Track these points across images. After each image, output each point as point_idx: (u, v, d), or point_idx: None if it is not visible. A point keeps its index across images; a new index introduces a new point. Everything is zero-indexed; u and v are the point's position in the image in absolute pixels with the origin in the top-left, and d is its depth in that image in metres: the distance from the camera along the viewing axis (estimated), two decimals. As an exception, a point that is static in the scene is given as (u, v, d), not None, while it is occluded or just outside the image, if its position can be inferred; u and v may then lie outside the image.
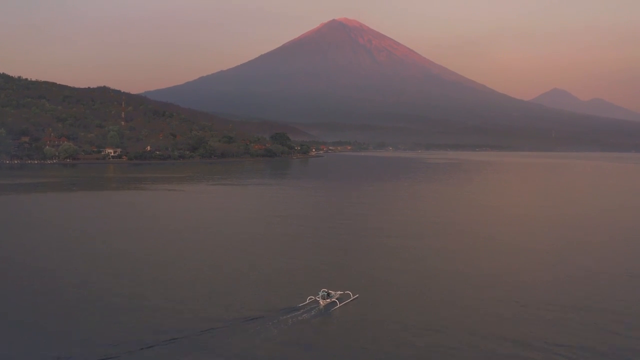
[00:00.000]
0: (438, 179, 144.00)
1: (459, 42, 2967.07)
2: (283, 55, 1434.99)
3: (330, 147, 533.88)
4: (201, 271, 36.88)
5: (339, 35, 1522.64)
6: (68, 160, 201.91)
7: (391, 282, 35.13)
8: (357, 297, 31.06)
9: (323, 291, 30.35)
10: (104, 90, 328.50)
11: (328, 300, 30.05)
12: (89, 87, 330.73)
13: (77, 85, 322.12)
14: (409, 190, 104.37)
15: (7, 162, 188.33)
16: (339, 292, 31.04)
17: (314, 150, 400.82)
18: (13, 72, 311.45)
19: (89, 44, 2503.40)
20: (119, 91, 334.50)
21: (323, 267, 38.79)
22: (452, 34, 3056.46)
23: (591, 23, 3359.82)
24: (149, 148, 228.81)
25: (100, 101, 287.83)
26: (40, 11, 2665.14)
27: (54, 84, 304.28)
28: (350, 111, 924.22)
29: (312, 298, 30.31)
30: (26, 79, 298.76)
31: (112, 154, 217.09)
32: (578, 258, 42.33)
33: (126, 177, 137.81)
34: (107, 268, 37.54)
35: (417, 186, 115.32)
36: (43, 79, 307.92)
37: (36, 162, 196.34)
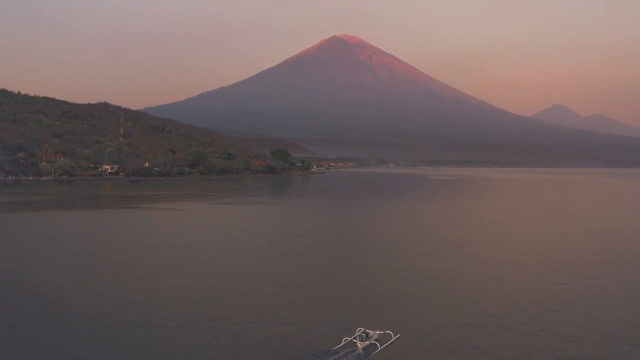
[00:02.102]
0: (446, 196, 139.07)
1: (459, 59, 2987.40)
2: (283, 72, 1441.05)
3: (331, 164, 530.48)
4: (207, 308, 31.91)
5: (340, 52, 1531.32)
6: (64, 176, 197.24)
7: (429, 316, 31.04)
8: (398, 338, 26.74)
9: (360, 331, 26.22)
10: (103, 106, 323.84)
11: (367, 342, 25.97)
12: (89, 103, 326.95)
13: (78, 102, 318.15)
14: (419, 210, 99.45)
15: (2, 178, 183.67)
16: (378, 332, 26.74)
17: (314, 166, 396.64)
18: (13, 88, 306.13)
19: (90, 60, 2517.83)
20: (119, 107, 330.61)
21: (348, 300, 34.13)
22: (452, 50, 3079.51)
23: (590, 40, 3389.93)
24: (147, 164, 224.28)
25: (99, 117, 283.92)
26: (40, 28, 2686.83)
27: (52, 99, 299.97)
28: (351, 127, 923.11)
29: (347, 339, 26.11)
30: (25, 94, 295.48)
31: (109, 171, 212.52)
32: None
33: (120, 195, 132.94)
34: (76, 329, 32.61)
35: (425, 204, 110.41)
36: (43, 95, 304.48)
37: (31, 178, 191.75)
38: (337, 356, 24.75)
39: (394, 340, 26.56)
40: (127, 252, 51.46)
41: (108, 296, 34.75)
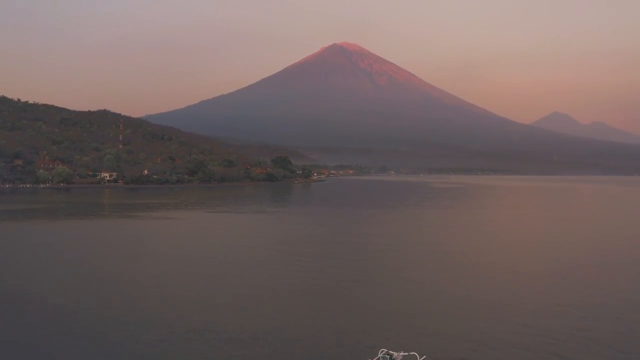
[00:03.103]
0: (451, 205, 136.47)
1: (459, 66, 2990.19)
2: (284, 80, 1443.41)
3: (332, 171, 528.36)
4: (205, 323, 29.39)
5: (340, 60, 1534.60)
6: (62, 184, 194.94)
7: (452, 333, 28.94)
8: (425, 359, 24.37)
9: (383, 352, 23.79)
10: (103, 113, 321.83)
11: None
12: (89, 111, 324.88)
13: (78, 109, 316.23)
14: (423, 218, 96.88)
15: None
16: (402, 353, 24.15)
17: (315, 174, 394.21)
18: (13, 96, 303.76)
19: (90, 68, 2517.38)
20: (119, 114, 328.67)
21: (364, 318, 31.66)
22: (452, 58, 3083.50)
23: (591, 47, 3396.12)
24: (146, 172, 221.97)
25: (98, 124, 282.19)
26: (41, 36, 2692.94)
27: (52, 107, 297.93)
28: (351, 135, 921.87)
29: None
30: (25, 102, 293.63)
31: (108, 178, 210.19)
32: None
33: (118, 204, 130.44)
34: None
35: (431, 213, 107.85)
36: (42, 102, 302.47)
37: (28, 186, 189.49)
38: None
39: None
40: (120, 263, 48.90)
41: (93, 307, 32.21)
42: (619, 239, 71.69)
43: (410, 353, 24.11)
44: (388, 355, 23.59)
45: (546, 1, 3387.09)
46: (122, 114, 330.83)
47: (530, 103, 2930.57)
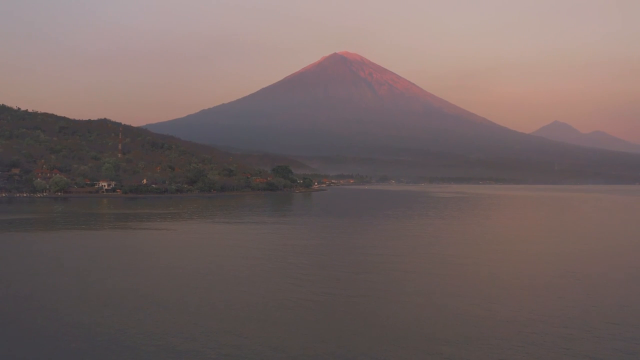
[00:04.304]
0: (457, 216, 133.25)
1: (459, 76, 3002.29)
2: (284, 89, 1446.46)
3: (332, 180, 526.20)
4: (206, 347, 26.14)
5: (340, 69, 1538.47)
6: (59, 193, 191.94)
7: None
8: None
9: None
10: (103, 122, 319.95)
11: None
12: (89, 120, 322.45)
13: (78, 118, 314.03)
14: (438, 230, 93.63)
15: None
16: None
17: (316, 183, 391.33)
18: (13, 105, 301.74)
19: (90, 78, 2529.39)
20: (119, 123, 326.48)
21: (377, 339, 28.29)
22: (452, 67, 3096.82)
23: (591, 57, 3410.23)
24: (145, 181, 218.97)
25: (98, 133, 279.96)
26: (41, 46, 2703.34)
27: (51, 115, 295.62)
28: (351, 144, 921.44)
29: None
30: (25, 110, 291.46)
31: (106, 187, 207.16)
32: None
33: (115, 214, 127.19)
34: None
35: (438, 223, 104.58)
36: (43, 111, 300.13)
37: (25, 195, 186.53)
38: None
39: None
40: (112, 277, 45.62)
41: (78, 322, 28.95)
42: None
43: None
44: None
45: (547, 11, 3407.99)
46: (123, 123, 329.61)
47: (531, 112, 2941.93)
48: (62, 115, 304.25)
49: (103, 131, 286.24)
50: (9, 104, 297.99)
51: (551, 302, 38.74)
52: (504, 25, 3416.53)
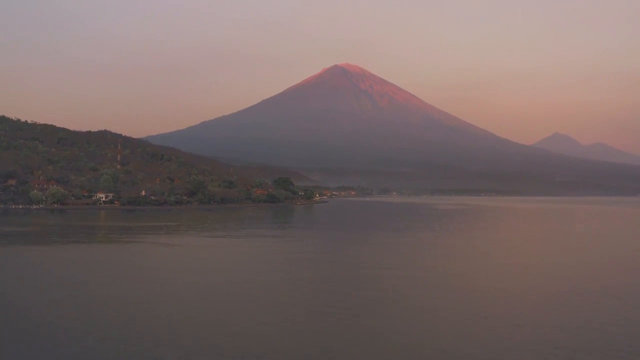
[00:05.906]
0: (463, 229, 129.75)
1: (460, 88, 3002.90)
2: (285, 101, 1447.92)
3: (334, 192, 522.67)
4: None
5: (341, 81, 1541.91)
6: (56, 205, 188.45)
7: None
8: None
9: None
10: (102, 134, 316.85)
11: None
12: (89, 131, 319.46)
13: (79, 130, 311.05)
14: (447, 245, 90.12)
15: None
16: None
17: (317, 195, 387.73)
18: (12, 115, 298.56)
19: (91, 89, 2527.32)
20: (120, 135, 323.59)
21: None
22: (453, 79, 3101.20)
23: (591, 69, 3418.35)
24: (143, 193, 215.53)
25: (97, 144, 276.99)
26: (41, 58, 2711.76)
27: (50, 126, 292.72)
28: (352, 156, 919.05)
29: None
30: (24, 121, 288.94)
31: (104, 199, 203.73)
32: None
33: (112, 227, 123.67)
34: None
35: (445, 239, 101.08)
36: (43, 122, 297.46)
37: (21, 207, 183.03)
38: None
39: None
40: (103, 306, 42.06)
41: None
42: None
43: None
44: None
45: (547, 24, 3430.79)
46: (123, 135, 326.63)
47: (531, 124, 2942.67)
48: (62, 126, 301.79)
49: (102, 142, 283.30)
50: (8, 115, 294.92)
51: (566, 319, 35.15)
52: (505, 38, 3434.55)
